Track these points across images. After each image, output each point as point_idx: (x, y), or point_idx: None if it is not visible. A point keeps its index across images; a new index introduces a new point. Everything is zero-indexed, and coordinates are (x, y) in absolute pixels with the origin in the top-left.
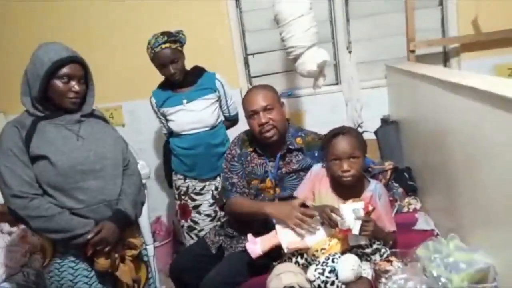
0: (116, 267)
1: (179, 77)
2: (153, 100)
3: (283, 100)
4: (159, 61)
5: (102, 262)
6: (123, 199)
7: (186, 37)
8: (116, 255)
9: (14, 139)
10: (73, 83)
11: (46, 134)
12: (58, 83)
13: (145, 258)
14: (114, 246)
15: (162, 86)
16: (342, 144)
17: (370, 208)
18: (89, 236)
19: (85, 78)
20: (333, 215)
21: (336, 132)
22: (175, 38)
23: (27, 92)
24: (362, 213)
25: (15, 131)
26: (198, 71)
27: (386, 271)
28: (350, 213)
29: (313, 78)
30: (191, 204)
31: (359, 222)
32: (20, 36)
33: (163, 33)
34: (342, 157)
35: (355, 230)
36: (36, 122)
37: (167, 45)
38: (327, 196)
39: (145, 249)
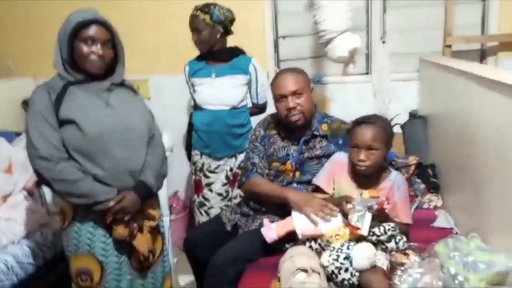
0: (133, 236)
1: (201, 47)
2: (187, 69)
3: (312, 85)
4: (189, 25)
5: (121, 231)
6: (147, 171)
7: (223, 14)
8: (135, 225)
9: (44, 101)
10: (97, 46)
11: (76, 99)
12: (81, 45)
13: (162, 230)
14: (134, 216)
15: (198, 58)
16: (363, 133)
17: (385, 204)
18: (110, 204)
19: (114, 45)
20: (347, 205)
21: (362, 120)
22: (207, 10)
23: (59, 55)
24: (375, 208)
25: (45, 94)
26: (236, 51)
27: (402, 264)
28: (364, 205)
29: (343, 64)
30: (204, 181)
31: (369, 220)
32: (47, 4)
33: (204, 4)
34: (360, 146)
35: (364, 231)
36: (66, 86)
37: (197, 13)
38: (346, 184)
39: (162, 221)
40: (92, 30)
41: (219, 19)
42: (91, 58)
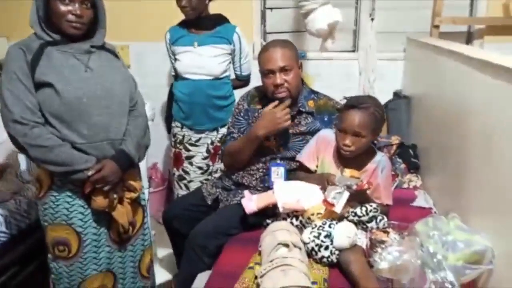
0: (113, 207)
1: (190, 14)
2: (168, 36)
3: (300, 61)
4: None
5: (100, 201)
6: (128, 140)
7: None
8: (115, 196)
9: (19, 62)
10: (74, 5)
11: (53, 61)
12: (58, 3)
13: (143, 203)
14: (114, 187)
15: (180, 24)
16: (352, 119)
17: (365, 187)
18: (89, 173)
19: (93, 5)
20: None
21: (353, 105)
22: None
23: (35, 13)
24: (353, 188)
25: (20, 54)
26: (220, 19)
27: (382, 242)
28: (343, 183)
29: (322, 39)
30: (184, 154)
31: (345, 199)
32: None
33: None
34: (347, 131)
35: (338, 209)
36: (43, 46)
37: None
38: (329, 162)
39: (143, 193)
40: None
41: None
42: (68, 17)
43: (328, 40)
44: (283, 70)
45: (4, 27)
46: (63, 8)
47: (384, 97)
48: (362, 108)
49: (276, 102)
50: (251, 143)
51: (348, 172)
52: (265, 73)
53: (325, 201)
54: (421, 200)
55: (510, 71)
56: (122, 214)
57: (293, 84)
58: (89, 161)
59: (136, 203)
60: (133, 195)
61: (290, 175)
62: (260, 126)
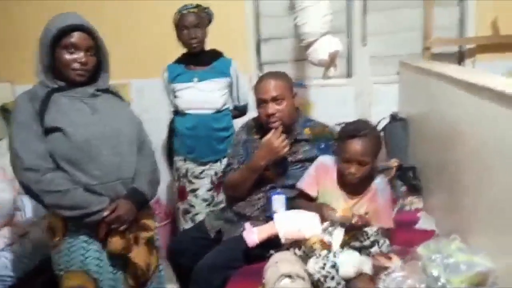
0: (130, 249)
1: (197, 46)
2: (166, 74)
3: (295, 91)
4: (183, 23)
5: (116, 242)
6: (139, 178)
7: (213, 15)
8: (131, 236)
9: (28, 110)
10: (79, 53)
11: (61, 106)
12: (63, 52)
13: (157, 243)
14: (129, 226)
15: (178, 62)
16: (355, 149)
17: (359, 223)
18: (104, 214)
19: (97, 51)
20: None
21: (353, 134)
22: (204, 10)
23: (40, 62)
24: (347, 224)
25: (28, 103)
26: (216, 54)
27: (385, 268)
28: (336, 224)
29: (324, 68)
30: (189, 187)
31: (340, 237)
32: (27, 7)
33: (193, 4)
34: (351, 161)
35: (335, 247)
36: (50, 94)
37: (195, 10)
38: (332, 189)
39: (157, 233)
40: (74, 37)
41: (211, 19)
42: (73, 66)
43: (331, 68)
44: (275, 100)
45: (8, 72)
46: (68, 57)
47: (381, 120)
48: (362, 136)
49: (273, 131)
50: (252, 174)
51: (340, 211)
52: (259, 102)
53: (321, 241)
54: (424, 222)
55: (494, 92)
56: (139, 255)
57: (285, 113)
58: (103, 202)
59: (150, 244)
60: (148, 234)
61: (290, 203)
62: (260, 156)
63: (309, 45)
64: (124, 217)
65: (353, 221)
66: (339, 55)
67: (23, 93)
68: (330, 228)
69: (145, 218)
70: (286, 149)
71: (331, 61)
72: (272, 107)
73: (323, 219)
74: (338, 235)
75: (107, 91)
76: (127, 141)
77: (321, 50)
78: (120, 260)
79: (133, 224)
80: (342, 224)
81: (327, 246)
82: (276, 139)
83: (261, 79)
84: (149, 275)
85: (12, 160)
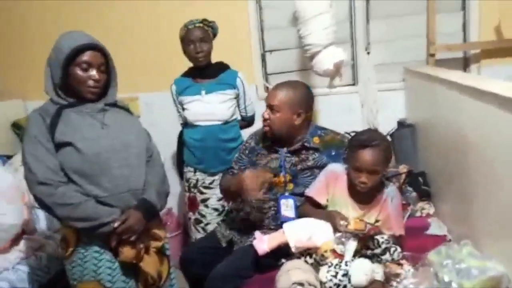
0: (140, 258)
1: (203, 60)
2: (174, 87)
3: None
4: (189, 38)
5: (128, 252)
6: (148, 189)
7: (218, 29)
8: (142, 246)
9: (39, 126)
10: (92, 71)
11: (71, 121)
12: (78, 70)
13: (167, 253)
14: (140, 236)
15: (185, 75)
16: (368, 158)
17: (372, 233)
18: (115, 225)
19: (107, 67)
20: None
21: (365, 144)
22: (209, 24)
23: (50, 80)
24: (360, 236)
25: (39, 119)
26: (222, 66)
27: (397, 275)
28: (348, 235)
29: (329, 77)
30: (199, 197)
31: (353, 248)
32: (38, 24)
33: (199, 18)
34: (363, 170)
35: (347, 258)
36: (60, 110)
37: (201, 25)
38: (342, 197)
39: (167, 242)
40: (88, 55)
41: (216, 33)
42: (88, 83)
43: (336, 78)
44: (271, 108)
45: (20, 89)
46: (82, 74)
47: (388, 127)
48: (374, 146)
49: (258, 170)
50: (234, 185)
51: (352, 224)
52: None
53: (334, 251)
54: (435, 227)
55: (500, 97)
56: (150, 264)
57: (275, 124)
58: (114, 213)
59: (161, 253)
60: (159, 244)
61: (298, 210)
62: (235, 184)
63: (313, 55)
64: (134, 228)
65: (365, 232)
66: (343, 64)
67: (35, 110)
68: (343, 239)
69: (155, 228)
70: (257, 196)
71: (336, 70)
72: (267, 112)
73: (334, 227)
74: (351, 245)
75: (115, 105)
76: (136, 153)
77: (325, 61)
78: (131, 269)
79: (144, 234)
80: (355, 236)
81: (339, 256)
82: (252, 182)
83: (277, 84)
84: (160, 283)
85: (26, 175)
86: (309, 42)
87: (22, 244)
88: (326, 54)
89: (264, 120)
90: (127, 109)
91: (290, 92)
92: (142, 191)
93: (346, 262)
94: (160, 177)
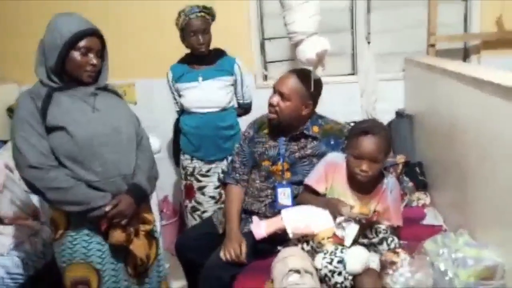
0: (130, 241)
1: (205, 49)
2: (170, 74)
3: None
4: (191, 28)
5: (118, 235)
6: (138, 174)
7: (216, 14)
8: (132, 229)
9: (30, 109)
10: (91, 56)
11: (62, 105)
12: (77, 55)
13: (156, 235)
14: (130, 220)
15: (181, 62)
16: (369, 145)
17: (374, 219)
18: (107, 209)
19: (102, 52)
20: (337, 216)
21: (367, 131)
22: (209, 11)
23: (42, 62)
24: (363, 221)
25: (30, 102)
26: (219, 53)
27: (393, 263)
28: (352, 219)
29: (312, 67)
30: (196, 185)
31: (354, 232)
32: (34, 8)
33: (197, 5)
34: (364, 157)
35: (347, 242)
36: (51, 92)
37: (202, 14)
38: (341, 187)
39: (155, 225)
40: (88, 41)
41: (215, 18)
42: (86, 68)
43: (319, 67)
44: (281, 95)
45: (16, 73)
46: (81, 59)
47: (386, 117)
48: (376, 133)
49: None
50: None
51: (357, 208)
52: (273, 89)
53: (334, 234)
54: (431, 217)
55: (500, 87)
56: (139, 247)
57: (283, 112)
58: (105, 198)
59: (149, 236)
60: (148, 227)
61: (296, 197)
62: (228, 233)
63: (297, 43)
64: (125, 212)
65: (369, 217)
66: (327, 54)
67: (24, 92)
68: (344, 223)
69: (145, 212)
70: (241, 258)
71: (319, 60)
72: (276, 99)
73: (334, 213)
74: (353, 230)
75: (105, 89)
76: (127, 138)
77: (308, 50)
78: (121, 252)
79: (134, 217)
80: (357, 220)
81: (339, 240)
82: (230, 248)
83: (290, 70)
84: (148, 265)
85: (16, 157)
86: (293, 30)
87: (16, 230)
88: (309, 43)
89: (272, 106)
90: (117, 93)
91: (301, 81)
92: (132, 176)
93: (341, 249)
94: (149, 162)
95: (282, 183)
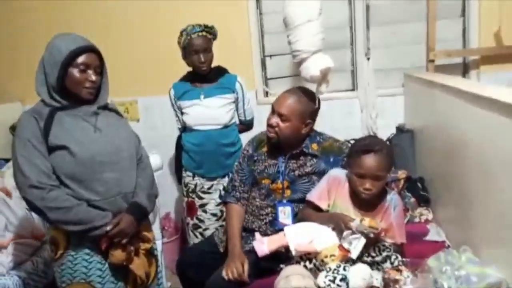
0: (130, 260)
1: (206, 68)
2: (172, 92)
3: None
4: (192, 48)
5: (118, 255)
6: (139, 192)
7: (217, 33)
8: (132, 248)
9: (32, 129)
10: (89, 72)
11: (65, 125)
12: (75, 72)
13: (155, 253)
14: (130, 239)
15: (183, 80)
16: (371, 164)
17: (382, 234)
18: (108, 228)
19: (100, 69)
20: (345, 228)
21: (368, 149)
22: (210, 30)
23: (43, 81)
24: (371, 236)
25: (33, 121)
26: (221, 71)
27: (396, 281)
28: (360, 231)
29: (316, 84)
30: (198, 202)
31: (361, 246)
32: (37, 27)
33: (199, 24)
34: (366, 176)
35: (354, 255)
36: (53, 112)
37: (204, 33)
38: (344, 204)
39: (155, 243)
40: (86, 57)
41: (216, 37)
42: (85, 84)
43: (323, 84)
44: (280, 115)
45: (18, 92)
46: (80, 76)
47: (387, 132)
48: (377, 151)
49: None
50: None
51: (367, 221)
52: (271, 107)
53: (340, 246)
54: (434, 233)
55: (499, 103)
56: (139, 265)
57: (283, 131)
58: (106, 217)
59: (149, 254)
60: (148, 245)
61: (298, 211)
62: (230, 255)
63: (301, 61)
64: (126, 231)
65: (378, 231)
66: (331, 71)
67: (26, 111)
68: (350, 237)
69: (144, 230)
70: (243, 277)
71: (323, 77)
72: (275, 120)
73: (339, 227)
74: (359, 244)
75: (106, 108)
76: (128, 157)
77: (312, 67)
78: (121, 271)
79: (134, 236)
80: (364, 234)
81: (345, 252)
82: (230, 270)
83: (287, 90)
84: (148, 283)
85: (17, 177)
86: (297, 48)
87: (17, 249)
88: (313, 61)
89: (271, 127)
90: (117, 112)
91: (301, 101)
92: (132, 194)
93: (344, 267)
94: (150, 180)
95: (282, 201)
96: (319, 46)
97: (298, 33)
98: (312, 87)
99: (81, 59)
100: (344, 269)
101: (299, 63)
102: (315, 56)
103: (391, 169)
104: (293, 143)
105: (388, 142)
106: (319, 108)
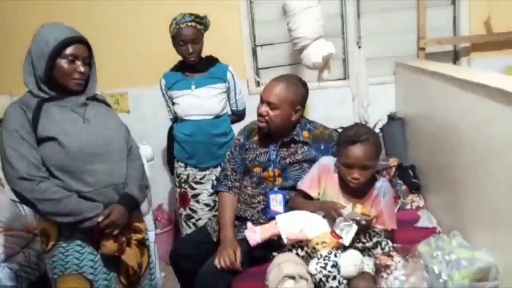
0: (122, 250)
1: (194, 59)
2: (163, 82)
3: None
4: (181, 38)
5: (110, 246)
6: (130, 183)
7: (210, 23)
8: (123, 239)
9: (20, 120)
10: (78, 63)
11: (53, 116)
12: (63, 63)
13: (147, 243)
14: (121, 230)
15: (174, 69)
16: (358, 153)
17: (374, 221)
18: (99, 219)
19: (89, 60)
20: (337, 215)
21: (354, 140)
22: (201, 20)
23: (31, 72)
24: (362, 223)
25: (20, 112)
26: (212, 60)
27: (387, 266)
28: (353, 218)
29: (318, 71)
30: (190, 192)
31: (353, 232)
32: (25, 18)
33: (190, 13)
34: (354, 166)
35: (346, 241)
36: (41, 103)
37: (193, 23)
38: (334, 191)
39: (147, 234)
40: (75, 48)
41: (208, 28)
42: (74, 75)
43: (325, 71)
44: (269, 104)
45: (7, 84)
46: (68, 67)
47: (379, 121)
48: (363, 141)
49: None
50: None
51: (359, 208)
52: (260, 97)
53: (333, 232)
54: (425, 220)
55: (490, 89)
56: (131, 256)
57: (273, 121)
58: (97, 208)
59: (141, 245)
60: (139, 236)
61: (289, 200)
62: (224, 240)
63: (302, 49)
64: (117, 222)
65: (370, 218)
66: (332, 58)
67: (14, 103)
68: (342, 224)
69: (136, 221)
70: (235, 265)
71: (325, 64)
72: (264, 109)
73: (331, 215)
74: (352, 230)
75: (94, 99)
76: (118, 148)
77: (314, 54)
78: (113, 262)
79: (125, 227)
80: (356, 222)
81: (338, 238)
82: (224, 255)
83: (274, 78)
84: (140, 273)
85: (5, 169)
86: (298, 35)
87: (7, 241)
88: (314, 48)
89: (261, 116)
90: (106, 103)
91: (289, 88)
92: (123, 185)
93: (335, 253)
94: (140, 171)
95: (273, 189)
96: (320, 32)
97: (298, 19)
98: (315, 75)
99: (69, 50)
100: (335, 256)
101: (299, 51)
102: (316, 42)
103: (379, 157)
104: (284, 131)
105: (379, 130)
106: (307, 93)
